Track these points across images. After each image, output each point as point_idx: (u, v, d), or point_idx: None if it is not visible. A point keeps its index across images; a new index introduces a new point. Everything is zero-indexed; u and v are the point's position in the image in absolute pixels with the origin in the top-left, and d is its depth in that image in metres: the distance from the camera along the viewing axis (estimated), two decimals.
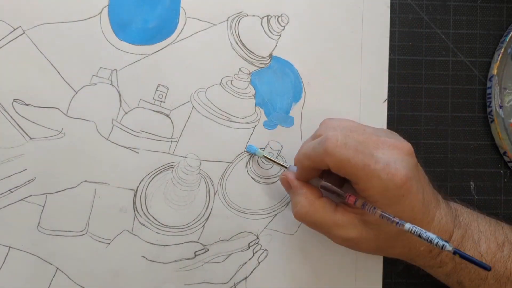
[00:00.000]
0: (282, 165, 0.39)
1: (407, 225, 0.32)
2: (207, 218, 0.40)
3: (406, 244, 0.35)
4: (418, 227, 0.31)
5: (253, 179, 0.40)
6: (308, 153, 0.34)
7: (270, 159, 0.39)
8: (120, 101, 0.39)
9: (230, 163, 0.40)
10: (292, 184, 0.36)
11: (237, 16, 0.40)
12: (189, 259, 0.40)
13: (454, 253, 0.30)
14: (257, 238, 0.40)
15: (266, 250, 0.40)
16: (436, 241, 0.30)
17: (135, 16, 0.40)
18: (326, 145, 0.32)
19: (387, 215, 0.32)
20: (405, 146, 0.35)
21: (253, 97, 0.40)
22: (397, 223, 0.32)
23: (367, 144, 0.34)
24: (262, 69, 0.41)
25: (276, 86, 0.41)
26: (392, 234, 0.35)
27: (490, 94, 0.41)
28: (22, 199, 0.39)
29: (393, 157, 0.34)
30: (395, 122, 0.42)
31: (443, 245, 0.30)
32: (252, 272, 0.40)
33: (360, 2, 0.41)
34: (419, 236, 0.31)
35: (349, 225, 0.35)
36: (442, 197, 0.37)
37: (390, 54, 0.42)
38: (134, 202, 0.39)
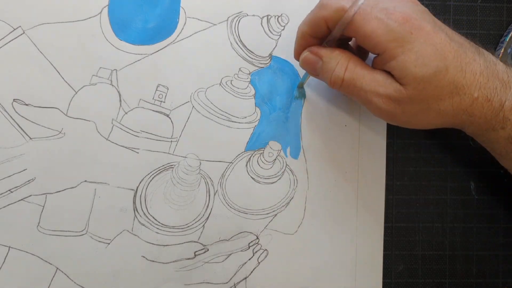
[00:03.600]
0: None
1: None
2: (207, 218, 0.40)
3: (453, 89, 0.32)
4: None
5: (253, 179, 0.40)
6: (306, 19, 0.34)
7: (303, 83, 0.39)
8: (120, 101, 0.39)
9: (230, 163, 0.40)
10: (322, 51, 0.34)
11: (237, 16, 0.41)
12: (189, 259, 0.40)
13: None
14: (257, 238, 0.40)
15: (266, 250, 0.40)
16: None
17: (135, 16, 0.40)
18: (322, 1, 0.33)
19: None
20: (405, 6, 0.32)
21: (253, 97, 0.41)
22: None
23: None
24: (262, 69, 0.41)
25: (276, 86, 0.41)
26: (429, 77, 0.31)
27: None
28: (22, 199, 0.39)
29: (393, 4, 0.32)
30: None
31: None
32: (252, 272, 0.40)
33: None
34: None
35: (387, 80, 0.32)
36: (474, 44, 0.34)
37: None
38: (134, 202, 0.39)
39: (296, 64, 0.41)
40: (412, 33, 0.31)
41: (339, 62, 0.34)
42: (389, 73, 0.33)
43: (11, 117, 0.39)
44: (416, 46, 0.31)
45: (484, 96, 0.32)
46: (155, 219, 0.39)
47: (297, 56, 0.37)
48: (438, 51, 0.31)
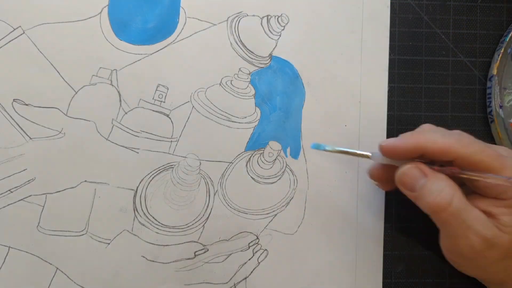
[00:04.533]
0: (363, 155, 0.35)
1: None
2: (207, 218, 0.40)
3: None
4: None
5: (253, 179, 0.40)
6: (434, 139, 0.32)
7: (347, 152, 0.36)
8: (120, 101, 0.39)
9: (230, 163, 0.40)
10: (428, 171, 0.33)
11: (237, 16, 0.41)
12: (189, 259, 0.40)
13: None
14: (257, 238, 0.40)
15: (266, 250, 0.40)
16: None
17: (135, 16, 0.40)
18: (461, 137, 0.32)
19: None
20: None
21: (253, 97, 0.41)
22: None
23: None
24: (262, 69, 0.41)
25: (276, 86, 0.41)
26: None
27: (490, 94, 0.41)
28: (22, 199, 0.39)
29: None
30: (395, 122, 0.42)
31: None
32: (252, 272, 0.40)
33: (360, 2, 0.41)
34: None
35: (489, 223, 0.32)
36: None
37: (390, 54, 0.42)
38: (134, 202, 0.39)
39: (296, 64, 0.41)
40: None
41: (447, 187, 0.32)
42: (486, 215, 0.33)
43: (11, 117, 0.39)
44: None
45: None
46: (155, 219, 0.39)
47: (388, 153, 0.34)
48: None
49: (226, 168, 0.40)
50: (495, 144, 0.42)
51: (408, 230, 0.42)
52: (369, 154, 0.35)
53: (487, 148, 0.32)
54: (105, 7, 0.40)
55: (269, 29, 0.41)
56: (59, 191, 0.39)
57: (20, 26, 0.39)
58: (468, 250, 0.32)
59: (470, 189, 0.35)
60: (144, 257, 0.39)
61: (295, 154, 0.41)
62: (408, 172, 0.34)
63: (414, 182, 0.33)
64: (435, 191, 0.32)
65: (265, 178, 0.40)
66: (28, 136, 0.39)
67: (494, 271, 0.34)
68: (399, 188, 0.35)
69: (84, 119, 0.39)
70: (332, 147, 0.36)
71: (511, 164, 0.32)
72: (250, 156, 0.40)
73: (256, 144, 0.40)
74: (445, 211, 0.32)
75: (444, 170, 0.33)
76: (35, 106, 0.39)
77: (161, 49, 0.40)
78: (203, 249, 0.40)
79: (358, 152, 0.35)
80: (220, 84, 0.40)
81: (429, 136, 0.33)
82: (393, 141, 0.34)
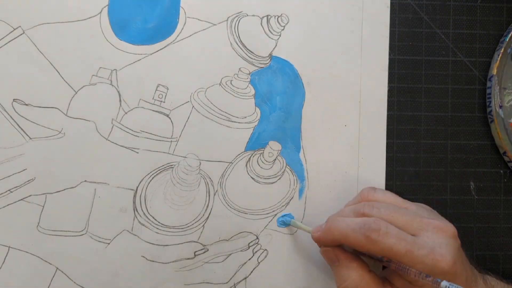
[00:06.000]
0: (308, 230, 0.38)
1: None
2: (207, 218, 0.40)
3: None
4: None
5: (253, 179, 0.40)
6: (346, 233, 0.34)
7: (296, 226, 0.39)
8: (120, 101, 0.39)
9: (230, 163, 0.40)
10: (342, 257, 0.35)
11: (237, 16, 0.40)
12: (189, 259, 0.40)
13: None
14: (257, 238, 0.40)
15: (266, 250, 0.40)
16: None
17: (135, 16, 0.40)
18: (368, 233, 0.33)
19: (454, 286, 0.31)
20: (450, 228, 0.35)
21: (253, 97, 0.40)
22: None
23: (411, 226, 0.34)
24: (262, 69, 0.41)
25: (276, 86, 0.41)
26: None
27: (490, 94, 0.41)
28: (22, 199, 0.39)
29: (438, 241, 0.33)
30: (395, 122, 0.42)
31: None
32: (252, 272, 0.40)
33: (360, 2, 0.41)
34: None
35: None
36: (477, 272, 0.37)
37: (390, 54, 0.42)
38: (134, 202, 0.39)
39: (296, 64, 0.41)
40: (449, 280, 0.32)
41: (353, 275, 0.34)
42: None
43: (11, 117, 0.39)
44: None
45: None
46: (155, 219, 0.39)
47: (319, 244, 0.37)
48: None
49: (226, 168, 0.40)
50: (495, 144, 0.42)
51: None
52: (310, 230, 0.37)
53: (396, 243, 0.32)
54: (105, 7, 0.40)
55: (269, 29, 0.41)
56: (59, 191, 0.39)
57: (20, 26, 0.39)
58: None
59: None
60: (144, 257, 0.39)
61: (295, 154, 0.41)
62: (324, 254, 0.36)
63: (330, 263, 0.36)
64: (342, 278, 0.35)
65: (265, 178, 0.40)
66: (28, 136, 0.39)
67: None
68: None
69: (84, 119, 0.39)
70: (290, 222, 0.40)
71: (421, 257, 0.32)
72: (250, 156, 0.40)
73: (256, 144, 0.40)
74: None
75: (364, 253, 0.35)
76: (35, 106, 0.39)
77: (161, 49, 0.40)
78: (203, 249, 0.40)
79: (304, 227, 0.39)
80: (220, 84, 0.40)
81: (342, 228, 0.34)
82: (318, 234, 0.36)
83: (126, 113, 0.39)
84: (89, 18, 0.39)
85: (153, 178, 0.40)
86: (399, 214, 0.35)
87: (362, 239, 0.33)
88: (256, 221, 0.40)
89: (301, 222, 0.40)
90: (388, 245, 0.32)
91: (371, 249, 0.33)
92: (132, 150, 0.39)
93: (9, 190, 0.38)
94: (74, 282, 0.39)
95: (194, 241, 0.40)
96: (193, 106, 0.40)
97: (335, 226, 0.35)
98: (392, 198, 0.38)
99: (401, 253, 0.32)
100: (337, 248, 0.36)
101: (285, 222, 0.40)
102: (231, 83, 0.40)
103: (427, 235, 0.34)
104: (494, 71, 0.41)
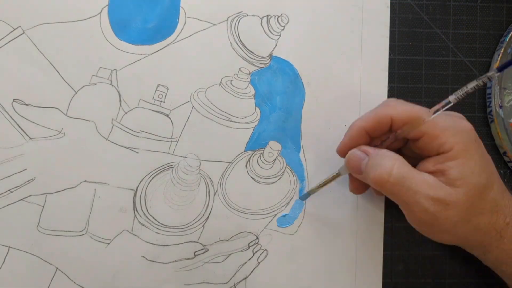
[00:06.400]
0: (335, 176, 0.37)
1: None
2: (207, 218, 0.40)
3: (494, 207, 0.33)
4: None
5: (253, 179, 0.40)
6: (367, 115, 0.35)
7: (323, 184, 0.38)
8: (120, 101, 0.39)
9: (230, 163, 0.40)
10: (371, 150, 0.34)
11: (237, 16, 0.40)
12: (189, 259, 0.40)
13: None
14: (257, 238, 0.40)
15: (266, 250, 0.40)
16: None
17: (135, 16, 0.40)
18: (388, 102, 0.35)
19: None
20: (467, 124, 0.34)
21: (253, 97, 0.40)
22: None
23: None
24: (262, 69, 0.41)
25: (276, 86, 0.41)
26: (480, 187, 0.32)
27: (490, 94, 0.41)
28: (22, 199, 0.39)
29: (456, 118, 0.34)
30: None
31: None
32: (252, 272, 0.40)
33: (360, 2, 0.41)
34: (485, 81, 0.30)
35: (437, 183, 0.32)
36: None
37: (390, 54, 0.42)
38: (134, 202, 0.39)
39: (296, 64, 0.41)
40: (476, 141, 0.33)
41: (387, 158, 0.33)
42: (435, 175, 0.33)
43: (11, 117, 0.39)
44: (476, 154, 0.32)
45: None
46: (155, 219, 0.39)
47: (343, 151, 0.36)
48: (489, 165, 0.33)
49: (226, 168, 0.40)
50: (495, 144, 0.42)
51: (408, 230, 0.42)
52: (337, 172, 0.37)
53: (415, 106, 0.34)
54: (105, 7, 0.40)
55: (269, 29, 0.41)
56: (59, 191, 0.39)
57: (20, 26, 0.39)
58: (424, 215, 0.32)
59: (419, 156, 0.35)
60: (144, 257, 0.39)
61: (295, 154, 0.41)
62: (352, 155, 0.35)
63: (358, 163, 0.35)
64: (376, 165, 0.33)
65: (265, 178, 0.40)
66: (28, 136, 0.39)
67: (464, 233, 0.34)
68: (353, 175, 0.36)
69: (84, 119, 0.39)
70: (312, 188, 0.39)
71: (442, 116, 0.33)
72: (250, 156, 0.40)
73: (256, 144, 0.40)
74: (387, 182, 0.32)
75: (387, 140, 0.35)
76: (35, 106, 0.39)
77: (161, 49, 0.40)
78: (203, 249, 0.40)
79: (330, 176, 0.37)
80: (220, 84, 0.40)
81: (362, 116, 0.35)
82: (342, 141, 0.36)
83: (126, 113, 0.39)
84: (89, 18, 0.39)
85: (153, 178, 0.40)
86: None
87: (382, 108, 0.34)
88: (256, 221, 0.40)
89: (301, 222, 0.40)
90: (408, 106, 0.34)
91: (393, 113, 0.34)
92: (132, 150, 0.39)
93: (9, 190, 0.38)
94: (74, 282, 0.39)
95: (194, 241, 0.40)
96: (193, 106, 0.40)
97: (354, 121, 0.36)
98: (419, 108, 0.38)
99: (421, 110, 0.33)
100: (362, 147, 0.35)
101: (304, 196, 0.40)
102: (231, 83, 0.40)
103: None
104: None
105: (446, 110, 0.33)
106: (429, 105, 0.42)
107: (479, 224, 0.33)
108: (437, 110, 0.32)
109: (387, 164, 0.32)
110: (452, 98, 0.32)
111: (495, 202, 0.33)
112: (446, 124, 0.33)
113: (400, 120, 0.34)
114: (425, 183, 0.32)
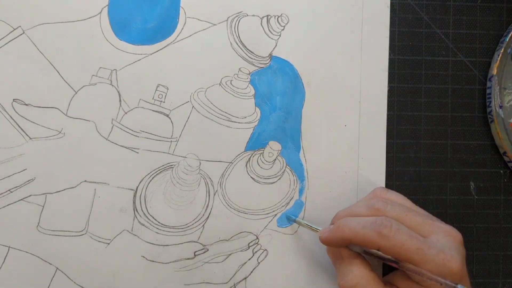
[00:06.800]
0: (314, 229, 0.38)
1: None
2: (207, 218, 0.40)
3: None
4: None
5: (253, 179, 0.40)
6: (357, 231, 0.34)
7: (301, 224, 0.39)
8: (120, 101, 0.39)
9: (230, 163, 0.40)
10: (346, 254, 0.35)
11: (237, 16, 0.40)
12: (189, 259, 0.40)
13: None
14: (257, 238, 0.40)
15: (266, 250, 0.40)
16: None
17: (135, 16, 0.40)
18: (380, 229, 0.33)
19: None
20: (458, 235, 0.35)
21: (253, 97, 0.41)
22: None
23: (422, 228, 0.35)
24: (262, 69, 0.41)
25: (276, 86, 0.41)
26: None
27: (490, 94, 0.41)
28: (22, 199, 0.39)
29: (448, 244, 0.34)
30: (395, 122, 0.42)
31: None
32: (252, 272, 0.40)
33: (360, 2, 0.41)
34: None
35: None
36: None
37: (390, 54, 0.42)
38: (134, 202, 0.39)
39: (296, 64, 0.41)
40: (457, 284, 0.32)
41: (355, 271, 0.34)
42: None
43: (11, 117, 0.39)
44: None
45: None
46: (155, 219, 0.39)
47: (327, 244, 0.36)
48: None
49: (226, 168, 0.40)
50: (495, 144, 0.42)
51: None
52: (318, 229, 0.37)
53: (408, 240, 0.33)
54: (105, 7, 0.40)
55: (269, 29, 0.41)
56: (59, 191, 0.39)
57: (20, 26, 0.39)
58: None
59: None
60: (144, 257, 0.39)
61: (295, 154, 0.41)
62: (330, 252, 0.37)
63: (333, 260, 0.37)
64: (343, 274, 0.35)
65: (265, 178, 0.40)
66: (28, 136, 0.39)
67: None
68: None
69: (84, 119, 0.39)
70: (294, 219, 0.40)
71: (432, 255, 0.32)
72: (250, 156, 0.40)
73: (256, 144, 0.40)
74: None
75: (374, 253, 0.34)
76: (35, 106, 0.39)
77: (161, 49, 0.40)
78: (203, 249, 0.40)
79: (310, 226, 0.39)
80: (220, 84, 0.40)
81: (352, 226, 0.34)
82: (326, 234, 0.36)
83: (126, 113, 0.39)
84: (89, 18, 0.39)
85: (153, 178, 0.40)
86: (412, 215, 0.35)
87: (374, 234, 0.33)
88: (256, 221, 0.40)
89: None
90: (400, 240, 0.32)
91: (382, 245, 0.33)
92: (132, 150, 0.39)
93: (9, 190, 0.38)
94: (74, 282, 0.39)
95: (194, 241, 0.40)
96: (193, 106, 0.40)
97: (345, 224, 0.35)
98: (404, 200, 0.38)
99: (412, 250, 0.32)
100: (342, 247, 0.36)
101: (290, 219, 0.40)
102: (231, 83, 0.40)
103: (437, 238, 0.34)
104: (494, 71, 0.41)
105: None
106: (429, 105, 0.42)
107: None
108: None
109: (351, 281, 0.34)
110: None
111: None
112: (433, 265, 0.33)
113: (388, 253, 0.33)
114: None
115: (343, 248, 0.36)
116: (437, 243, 0.33)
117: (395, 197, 0.38)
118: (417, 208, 0.37)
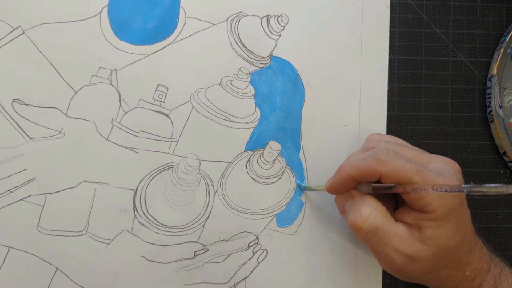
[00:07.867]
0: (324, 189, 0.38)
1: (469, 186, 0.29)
2: (207, 218, 0.40)
3: (458, 264, 0.35)
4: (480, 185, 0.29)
5: (253, 179, 0.40)
6: (357, 164, 0.34)
7: (312, 189, 0.39)
8: (120, 101, 0.39)
9: (229, 163, 0.40)
10: (356, 194, 0.36)
11: (237, 16, 0.41)
12: (188, 259, 0.40)
13: None
14: (257, 238, 0.40)
15: (266, 250, 0.40)
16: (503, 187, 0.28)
17: (135, 16, 0.40)
18: (378, 155, 0.33)
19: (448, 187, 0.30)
20: (456, 164, 0.35)
21: (252, 97, 0.41)
22: (466, 187, 0.29)
23: (419, 158, 0.35)
24: (262, 69, 0.41)
25: (276, 86, 0.41)
26: (449, 249, 0.34)
27: (490, 94, 0.41)
28: (22, 199, 0.39)
29: (446, 170, 0.34)
30: (395, 122, 0.42)
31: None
32: (252, 272, 0.40)
33: (360, 2, 0.41)
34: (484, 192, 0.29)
35: (409, 238, 0.34)
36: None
37: (390, 54, 0.42)
38: (134, 202, 0.39)
39: (296, 64, 0.41)
40: (460, 205, 0.33)
41: (366, 206, 0.34)
42: (411, 228, 0.34)
43: (11, 117, 0.39)
44: (455, 218, 0.33)
45: (472, 275, 0.35)
46: (155, 219, 0.39)
47: (331, 190, 0.37)
48: (465, 228, 0.34)
49: (226, 168, 0.40)
50: (495, 144, 0.42)
51: None
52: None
53: (407, 163, 0.33)
54: (105, 7, 0.40)
55: (269, 29, 0.41)
56: (59, 191, 0.39)
57: (20, 26, 0.39)
58: (389, 264, 0.35)
59: (404, 203, 0.36)
60: (144, 257, 0.39)
61: (295, 154, 0.41)
62: (338, 198, 0.37)
63: (344, 204, 0.36)
64: (354, 211, 0.35)
65: (265, 178, 0.40)
66: (28, 136, 0.39)
67: (427, 280, 0.36)
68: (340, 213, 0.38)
69: (84, 119, 0.39)
70: (306, 186, 0.40)
71: (433, 177, 0.33)
72: (250, 156, 0.40)
73: (256, 144, 0.40)
74: (361, 229, 0.34)
75: (381, 188, 0.34)
76: (35, 106, 0.39)
77: (161, 49, 0.40)
78: (203, 249, 0.40)
79: (321, 188, 0.38)
80: (220, 84, 0.40)
81: (352, 162, 0.35)
82: (331, 181, 0.36)
83: (126, 113, 0.39)
84: (89, 18, 0.39)
85: (153, 178, 0.40)
86: (408, 149, 0.36)
87: (373, 162, 0.33)
88: (256, 221, 0.40)
89: (301, 222, 0.40)
90: (399, 164, 0.33)
91: (383, 171, 0.33)
92: (132, 150, 0.39)
93: (9, 190, 0.38)
94: (74, 282, 0.39)
95: (194, 241, 0.40)
96: (193, 106, 0.40)
97: (345, 163, 0.35)
98: (400, 140, 0.38)
99: (412, 171, 0.32)
100: (352, 190, 0.36)
101: (300, 186, 0.40)
102: (231, 83, 0.40)
103: (435, 166, 0.34)
104: (494, 71, 0.41)
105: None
106: (429, 105, 0.42)
107: (439, 276, 0.35)
108: (435, 189, 0.32)
109: (365, 212, 0.34)
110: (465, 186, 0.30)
111: (460, 260, 0.35)
112: (433, 193, 0.33)
113: (389, 179, 0.34)
114: (397, 236, 0.34)
115: (352, 190, 0.36)
116: (435, 168, 0.34)
117: (390, 137, 0.38)
118: (412, 146, 0.37)
